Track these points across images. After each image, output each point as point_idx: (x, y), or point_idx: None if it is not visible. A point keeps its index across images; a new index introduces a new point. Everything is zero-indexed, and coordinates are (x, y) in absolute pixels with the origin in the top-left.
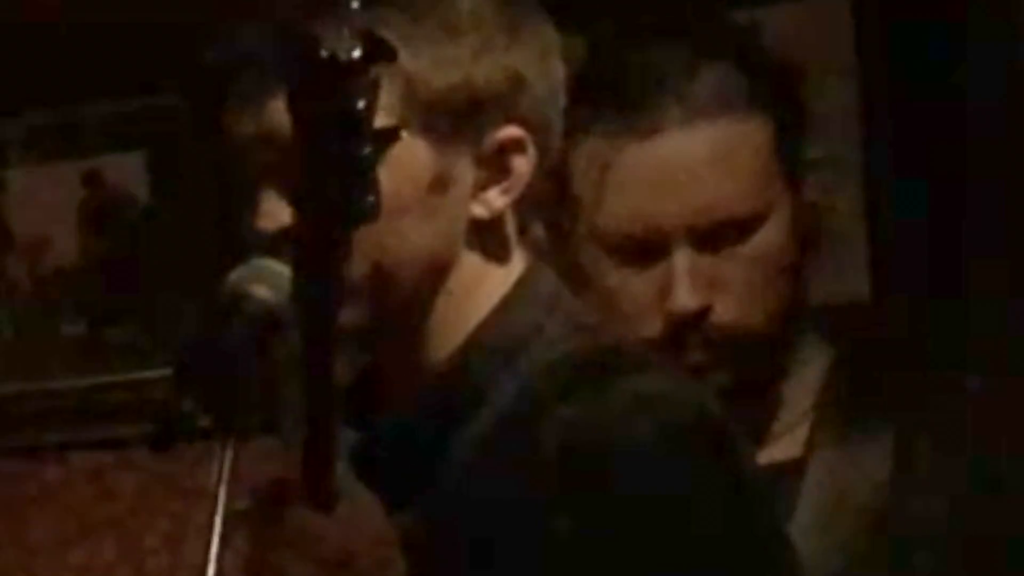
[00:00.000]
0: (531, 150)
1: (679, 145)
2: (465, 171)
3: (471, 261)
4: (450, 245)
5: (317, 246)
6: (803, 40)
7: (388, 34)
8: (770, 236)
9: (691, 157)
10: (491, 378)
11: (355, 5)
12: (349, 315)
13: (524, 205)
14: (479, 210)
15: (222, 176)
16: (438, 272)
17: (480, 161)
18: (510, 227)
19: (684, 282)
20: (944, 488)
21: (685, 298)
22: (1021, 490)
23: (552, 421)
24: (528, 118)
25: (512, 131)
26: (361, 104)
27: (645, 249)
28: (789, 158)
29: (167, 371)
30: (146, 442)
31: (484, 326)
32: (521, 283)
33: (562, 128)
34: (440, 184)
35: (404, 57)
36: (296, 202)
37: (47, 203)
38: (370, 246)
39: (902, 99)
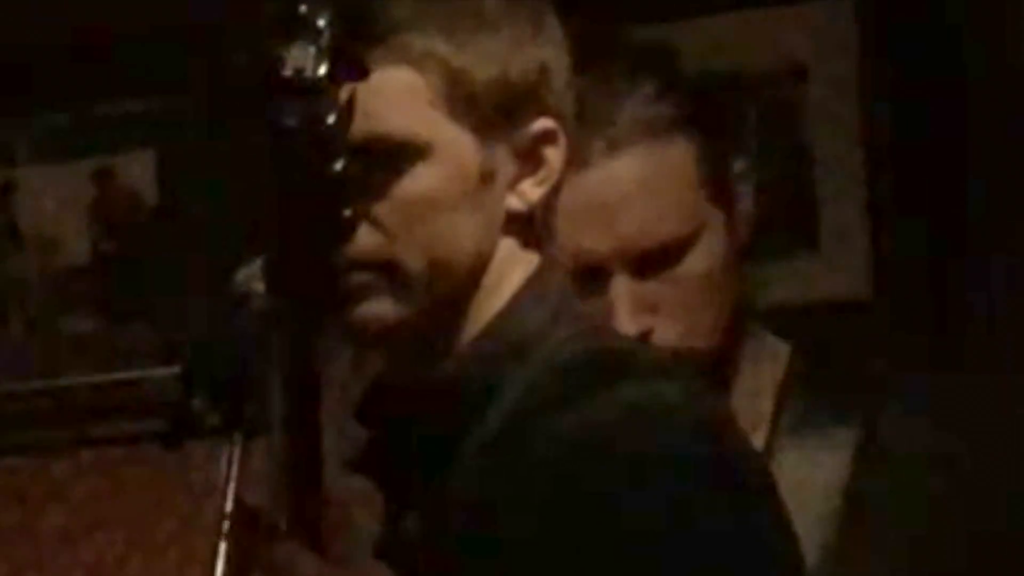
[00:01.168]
0: (562, 140)
1: (606, 175)
2: (505, 164)
3: (501, 256)
4: (492, 238)
5: (291, 264)
6: (803, 40)
7: (430, 28)
8: (705, 255)
9: (618, 186)
10: (498, 376)
11: (321, 24)
12: (401, 308)
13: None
14: (515, 203)
15: (231, 175)
16: (483, 265)
17: (516, 154)
18: (538, 222)
19: (623, 309)
20: (905, 489)
21: (626, 324)
22: (983, 490)
23: (553, 423)
24: (555, 109)
25: (546, 123)
26: (331, 120)
27: (586, 278)
28: (716, 175)
29: (176, 369)
30: (156, 439)
31: (491, 325)
32: (531, 282)
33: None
34: (486, 177)
35: (447, 51)
36: (269, 220)
37: (57, 202)
38: (425, 241)
39: (902, 99)
